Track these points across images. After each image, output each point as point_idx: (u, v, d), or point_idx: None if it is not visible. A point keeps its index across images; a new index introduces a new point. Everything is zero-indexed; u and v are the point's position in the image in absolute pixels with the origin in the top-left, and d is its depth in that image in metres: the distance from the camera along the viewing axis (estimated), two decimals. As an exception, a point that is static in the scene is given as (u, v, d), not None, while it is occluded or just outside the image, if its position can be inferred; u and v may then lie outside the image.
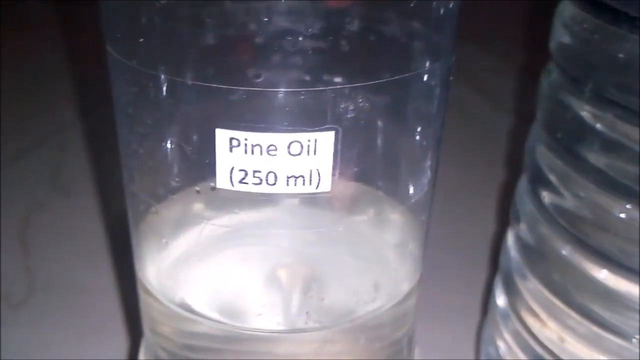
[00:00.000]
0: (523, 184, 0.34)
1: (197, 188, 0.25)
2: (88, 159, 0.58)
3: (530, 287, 0.33)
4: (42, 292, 0.45)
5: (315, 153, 0.22)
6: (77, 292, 0.45)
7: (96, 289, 0.45)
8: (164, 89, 0.23)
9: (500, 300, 0.36)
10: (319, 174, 0.23)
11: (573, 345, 0.31)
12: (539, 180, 0.32)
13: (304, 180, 0.23)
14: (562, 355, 0.32)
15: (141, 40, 0.23)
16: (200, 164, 0.24)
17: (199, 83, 0.22)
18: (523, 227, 0.33)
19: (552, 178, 0.31)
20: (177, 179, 0.25)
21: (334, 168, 0.23)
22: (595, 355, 0.30)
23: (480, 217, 0.52)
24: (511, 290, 0.35)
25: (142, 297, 0.29)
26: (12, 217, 0.52)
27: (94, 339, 0.41)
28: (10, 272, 0.46)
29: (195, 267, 0.28)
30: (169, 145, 0.25)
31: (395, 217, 0.27)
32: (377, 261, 0.29)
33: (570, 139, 0.29)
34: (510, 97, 0.69)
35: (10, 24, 0.84)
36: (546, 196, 0.31)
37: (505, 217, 0.37)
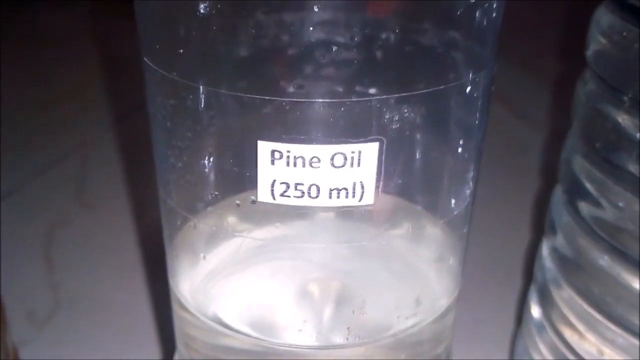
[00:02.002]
0: (558, 195, 0.34)
1: (237, 201, 0.24)
2: (112, 174, 0.58)
3: (567, 298, 0.32)
4: (68, 308, 0.45)
5: (359, 165, 0.22)
6: (103, 307, 0.45)
7: (122, 304, 0.45)
8: (204, 100, 0.22)
9: (535, 311, 0.36)
10: (362, 187, 0.22)
11: (612, 357, 0.31)
12: (577, 191, 0.31)
13: (347, 193, 0.22)
14: (600, 368, 0.31)
15: (181, 51, 0.23)
16: (240, 177, 0.23)
17: (240, 94, 0.22)
18: (559, 238, 0.33)
19: (590, 188, 0.30)
20: (216, 192, 0.25)
21: (377, 180, 0.22)
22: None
23: (513, 228, 0.52)
24: (546, 302, 0.34)
25: (176, 311, 0.29)
26: (36, 233, 0.51)
27: (120, 355, 0.41)
28: (34, 288, 0.46)
29: (232, 280, 0.28)
30: (208, 158, 0.24)
31: (436, 230, 0.27)
32: (417, 276, 0.28)
33: (609, 148, 0.29)
34: (540, 109, 0.69)
35: (37, 38, 0.84)
36: (584, 207, 0.31)
37: (538, 227, 0.37)
